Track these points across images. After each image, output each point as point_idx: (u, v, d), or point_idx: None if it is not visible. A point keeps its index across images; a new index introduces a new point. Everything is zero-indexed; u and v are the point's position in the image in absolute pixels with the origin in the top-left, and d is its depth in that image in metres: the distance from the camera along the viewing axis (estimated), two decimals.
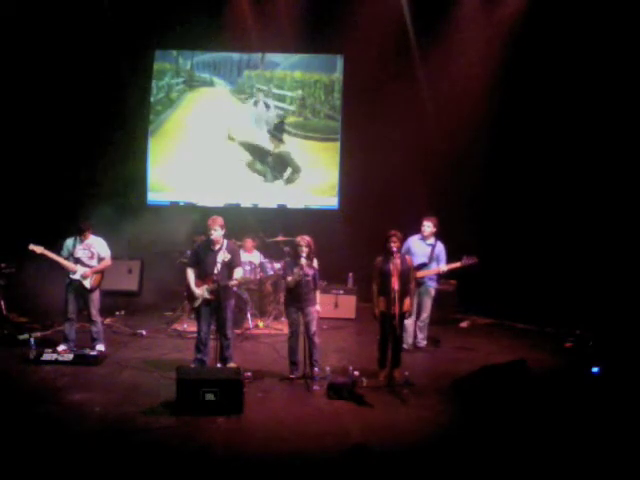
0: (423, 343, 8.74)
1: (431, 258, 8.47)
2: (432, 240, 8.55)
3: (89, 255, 7.98)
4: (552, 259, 9.79)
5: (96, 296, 8.01)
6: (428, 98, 10.79)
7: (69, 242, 8.01)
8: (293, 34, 10.94)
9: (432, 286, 8.60)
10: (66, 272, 7.93)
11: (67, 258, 7.94)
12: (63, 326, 8.00)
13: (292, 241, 7.54)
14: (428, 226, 8.50)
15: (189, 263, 7.46)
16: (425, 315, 8.63)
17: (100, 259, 8.04)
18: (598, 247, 9.40)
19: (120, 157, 11.09)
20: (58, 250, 7.96)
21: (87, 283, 7.90)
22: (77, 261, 7.92)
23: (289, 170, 11.95)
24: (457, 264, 8.45)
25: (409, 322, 8.47)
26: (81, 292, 7.93)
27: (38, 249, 7.86)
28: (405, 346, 8.58)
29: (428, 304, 8.60)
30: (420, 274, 8.34)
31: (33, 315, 9.33)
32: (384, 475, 4.94)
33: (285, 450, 5.40)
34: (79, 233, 7.98)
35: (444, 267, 8.46)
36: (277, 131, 11.94)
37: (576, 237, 9.65)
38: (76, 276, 7.88)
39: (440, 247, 8.55)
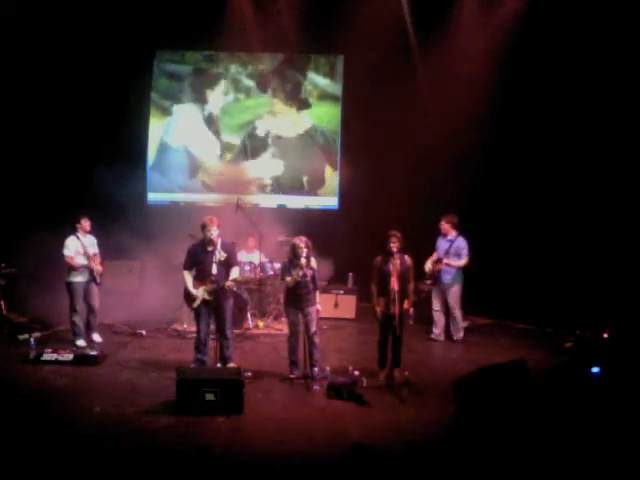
0: (458, 336, 9.02)
1: (447, 253, 8.86)
2: (452, 236, 8.96)
3: (95, 250, 8.33)
4: (552, 259, 9.78)
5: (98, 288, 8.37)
6: (428, 97, 10.77)
7: (74, 242, 8.16)
8: (293, 34, 10.95)
9: (446, 279, 8.91)
10: (68, 269, 8.08)
11: (74, 257, 8.10)
12: (75, 322, 8.18)
13: (290, 242, 7.52)
14: (441, 224, 9.01)
15: (185, 265, 7.39)
16: (451, 306, 8.96)
17: (94, 254, 8.34)
18: (598, 246, 9.39)
19: (120, 157, 11.06)
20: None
21: (98, 278, 8.27)
22: (90, 258, 8.21)
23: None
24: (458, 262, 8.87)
25: (438, 314, 8.97)
26: (89, 287, 8.24)
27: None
28: (433, 336, 8.97)
29: (451, 298, 8.93)
30: (436, 267, 8.88)
31: (33, 315, 9.32)
32: (384, 475, 4.93)
33: (285, 450, 5.40)
34: (75, 223, 8.21)
35: (445, 261, 8.84)
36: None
37: (576, 236, 9.63)
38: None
39: (459, 243, 8.92)
